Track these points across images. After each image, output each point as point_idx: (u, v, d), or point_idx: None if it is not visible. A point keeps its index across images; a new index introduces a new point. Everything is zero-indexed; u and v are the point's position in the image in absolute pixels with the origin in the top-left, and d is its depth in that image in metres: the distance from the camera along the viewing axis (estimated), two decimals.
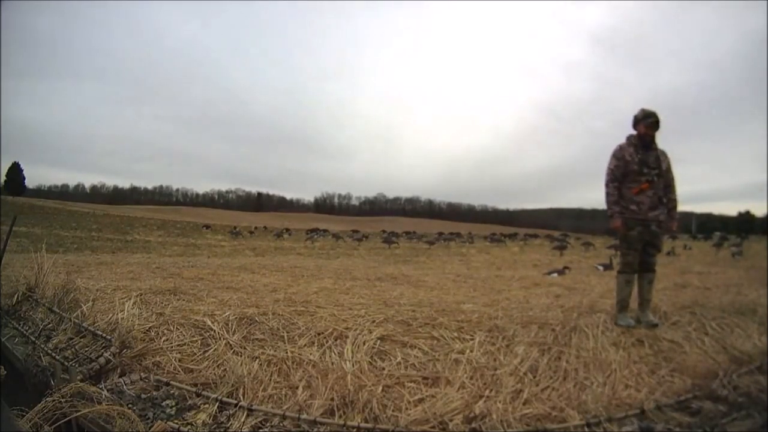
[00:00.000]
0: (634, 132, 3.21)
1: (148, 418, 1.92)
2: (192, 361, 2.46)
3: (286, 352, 2.50)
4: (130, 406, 1.97)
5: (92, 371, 2.27)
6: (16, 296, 3.56)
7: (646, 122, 3.12)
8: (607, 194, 3.16)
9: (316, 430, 1.86)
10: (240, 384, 2.16)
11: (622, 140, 3.22)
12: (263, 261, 8.84)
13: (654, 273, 3.24)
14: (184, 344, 2.62)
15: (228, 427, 1.89)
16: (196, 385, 2.20)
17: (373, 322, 2.94)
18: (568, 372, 2.37)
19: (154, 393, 2.14)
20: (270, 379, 2.25)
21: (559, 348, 2.62)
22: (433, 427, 1.87)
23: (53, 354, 2.52)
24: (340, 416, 1.94)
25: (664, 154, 3.18)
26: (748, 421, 1.91)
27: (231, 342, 2.64)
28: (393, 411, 1.98)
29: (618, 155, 3.14)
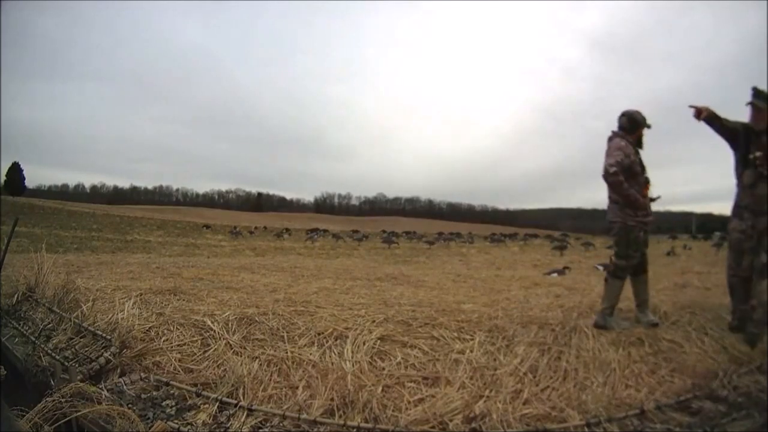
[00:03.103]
0: (621, 131, 3.10)
1: (148, 418, 1.91)
2: (192, 361, 2.46)
3: (286, 352, 2.50)
4: (130, 406, 1.97)
5: (92, 371, 2.27)
6: (16, 296, 3.55)
7: (646, 124, 3.11)
8: (620, 182, 2.93)
9: (316, 430, 1.86)
10: (240, 384, 2.16)
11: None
12: (263, 261, 8.84)
13: (647, 272, 3.22)
14: (184, 344, 2.62)
15: (228, 427, 1.89)
16: (196, 385, 2.20)
17: (373, 322, 2.94)
18: (568, 372, 2.37)
19: (154, 393, 2.14)
20: (270, 379, 2.25)
21: (559, 348, 2.62)
22: (433, 427, 1.87)
23: (53, 354, 2.52)
24: (340, 416, 1.94)
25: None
26: (748, 421, 1.91)
27: (231, 342, 2.64)
28: (393, 411, 1.98)
29: (626, 150, 2.99)
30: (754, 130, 2.82)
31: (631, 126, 3.10)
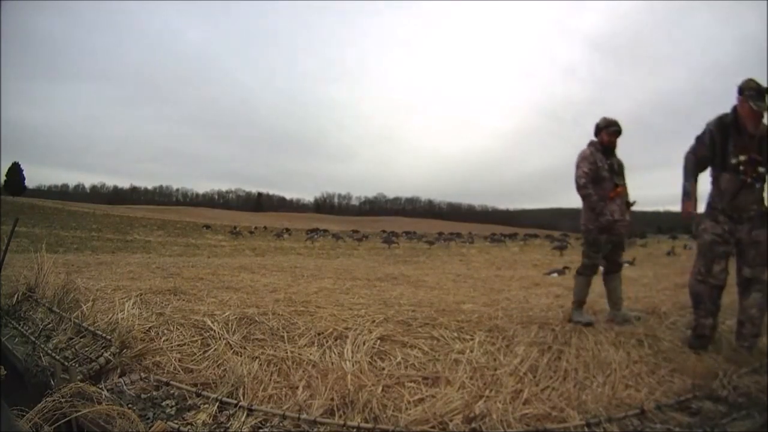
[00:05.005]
0: (595, 139, 3.24)
1: (148, 418, 1.91)
2: (192, 361, 2.46)
3: (286, 352, 2.50)
4: (130, 406, 1.97)
5: (92, 371, 2.27)
6: (16, 296, 3.55)
7: (609, 131, 3.17)
8: (589, 195, 3.10)
9: (316, 430, 1.86)
10: (240, 384, 2.16)
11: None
12: (263, 261, 8.84)
13: (620, 272, 3.35)
14: (184, 344, 2.62)
15: (228, 427, 1.89)
16: (196, 385, 2.20)
17: (373, 322, 2.94)
18: (568, 372, 2.37)
19: (154, 393, 2.14)
20: (270, 379, 2.25)
21: (559, 348, 2.62)
22: (433, 427, 1.87)
23: (53, 354, 2.52)
24: (340, 416, 1.94)
25: (620, 161, 3.27)
26: (748, 421, 1.91)
27: (231, 342, 2.64)
28: (393, 411, 1.98)
29: (590, 159, 3.14)
30: (737, 127, 2.54)
31: (594, 131, 3.25)
